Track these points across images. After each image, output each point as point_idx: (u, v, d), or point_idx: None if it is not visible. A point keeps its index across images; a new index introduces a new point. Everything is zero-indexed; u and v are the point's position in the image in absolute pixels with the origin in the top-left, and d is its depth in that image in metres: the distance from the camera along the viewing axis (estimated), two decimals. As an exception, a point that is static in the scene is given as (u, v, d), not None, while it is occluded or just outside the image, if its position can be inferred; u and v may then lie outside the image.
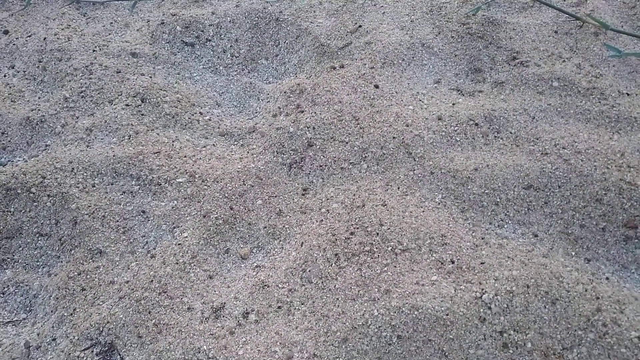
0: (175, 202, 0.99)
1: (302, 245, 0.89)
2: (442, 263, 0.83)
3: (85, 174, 1.03)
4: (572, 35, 1.21)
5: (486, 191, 0.94)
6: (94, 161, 1.05)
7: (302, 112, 1.12)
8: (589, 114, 1.03)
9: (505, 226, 0.90)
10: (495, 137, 1.03)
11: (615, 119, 1.01)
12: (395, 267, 0.83)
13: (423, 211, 0.92)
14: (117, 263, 0.91)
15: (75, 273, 0.89)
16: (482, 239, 0.87)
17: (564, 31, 1.22)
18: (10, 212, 1.00)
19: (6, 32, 1.45)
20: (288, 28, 1.33)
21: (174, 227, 0.96)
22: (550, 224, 0.89)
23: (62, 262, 0.93)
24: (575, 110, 1.04)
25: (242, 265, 0.91)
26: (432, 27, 1.27)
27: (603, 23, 1.15)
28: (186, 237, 0.93)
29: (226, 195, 0.98)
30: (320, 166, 1.03)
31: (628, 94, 1.07)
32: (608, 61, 1.14)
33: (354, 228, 0.89)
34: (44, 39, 1.38)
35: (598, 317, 0.73)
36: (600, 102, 1.05)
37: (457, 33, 1.24)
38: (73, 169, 1.03)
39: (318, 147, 1.06)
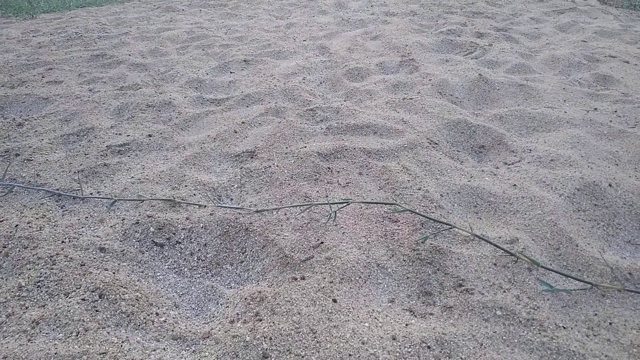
0: (110, 412, 0.90)
1: None
2: None
3: (17, 373, 0.95)
4: (509, 268, 1.36)
5: (441, 421, 0.91)
6: (31, 358, 0.98)
7: (260, 320, 1.13)
8: (532, 344, 1.09)
9: None
10: (447, 361, 1.05)
11: (556, 352, 1.07)
12: None
13: None
14: None
15: None
16: None
17: (501, 264, 1.37)
18: None
19: (-22, 216, 1.48)
20: (256, 238, 1.44)
21: None
22: None
23: None
24: (519, 340, 1.11)
25: None
26: (386, 249, 1.40)
27: (534, 261, 1.31)
28: None
29: (169, 408, 0.91)
30: (273, 381, 1.00)
31: (564, 327, 1.15)
32: (543, 294, 1.26)
33: None
34: (16, 225, 1.42)
35: None
36: (540, 334, 1.12)
37: (408, 257, 1.37)
38: (6, 365, 0.96)
39: (273, 359, 1.04)
